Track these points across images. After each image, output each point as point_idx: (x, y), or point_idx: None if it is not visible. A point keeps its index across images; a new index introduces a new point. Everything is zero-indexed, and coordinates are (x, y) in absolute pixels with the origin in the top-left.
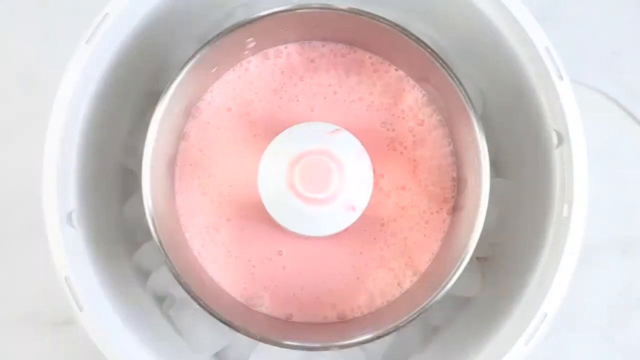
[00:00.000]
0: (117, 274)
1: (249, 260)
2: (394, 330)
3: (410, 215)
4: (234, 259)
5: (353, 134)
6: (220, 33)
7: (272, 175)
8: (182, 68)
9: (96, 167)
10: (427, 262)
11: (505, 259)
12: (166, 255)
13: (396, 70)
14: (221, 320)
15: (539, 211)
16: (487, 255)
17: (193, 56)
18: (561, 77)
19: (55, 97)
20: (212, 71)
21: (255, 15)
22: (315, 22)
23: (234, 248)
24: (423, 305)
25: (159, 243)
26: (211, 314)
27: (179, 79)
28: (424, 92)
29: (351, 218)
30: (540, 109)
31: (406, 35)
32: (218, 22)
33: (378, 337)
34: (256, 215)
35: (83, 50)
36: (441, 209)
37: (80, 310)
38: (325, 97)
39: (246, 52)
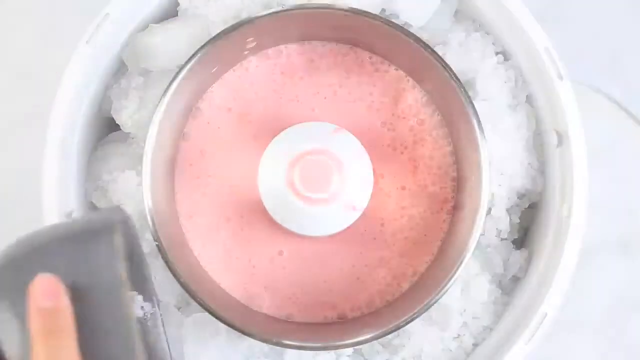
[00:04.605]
0: None
1: (249, 260)
2: (394, 330)
3: (410, 215)
4: (234, 259)
5: (353, 134)
6: (220, 33)
7: (272, 175)
8: (182, 68)
9: (96, 167)
10: (427, 262)
11: None
12: (166, 255)
13: (396, 70)
14: (221, 320)
15: (539, 211)
16: None
17: (193, 56)
18: (561, 77)
19: (55, 97)
20: (212, 71)
21: (255, 15)
22: (315, 22)
23: (234, 248)
24: (423, 305)
25: (158, 243)
26: (211, 313)
27: (179, 79)
28: (424, 92)
29: (351, 218)
30: (540, 109)
31: (406, 35)
32: None
33: (378, 337)
34: (256, 215)
35: (83, 50)
36: (441, 209)
37: None
38: (325, 97)
39: (246, 52)
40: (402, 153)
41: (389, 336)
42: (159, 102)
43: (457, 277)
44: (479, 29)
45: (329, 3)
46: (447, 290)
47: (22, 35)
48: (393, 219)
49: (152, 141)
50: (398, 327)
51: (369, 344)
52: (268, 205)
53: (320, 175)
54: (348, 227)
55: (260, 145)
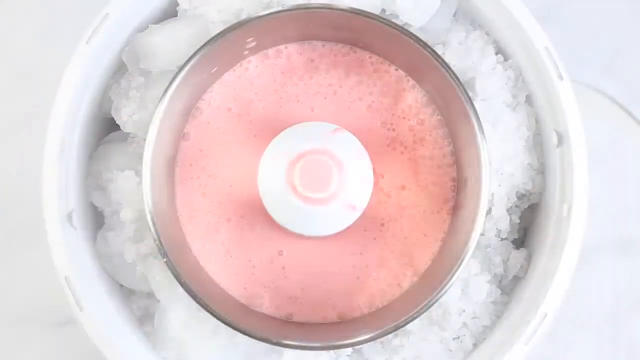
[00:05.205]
0: (117, 272)
1: (249, 261)
2: (394, 330)
3: (411, 215)
4: (234, 259)
5: (353, 134)
6: (220, 33)
7: (272, 175)
8: (182, 68)
9: (96, 167)
10: (427, 262)
11: None
12: (166, 255)
13: (396, 70)
14: (221, 320)
15: (539, 211)
16: None
17: (193, 56)
18: (561, 77)
19: (55, 97)
20: (212, 71)
21: (255, 15)
22: (315, 22)
23: (234, 248)
24: (423, 305)
25: (159, 243)
26: (211, 313)
27: (179, 78)
28: (424, 92)
29: (351, 218)
30: (540, 109)
31: (406, 35)
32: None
33: (378, 337)
34: (256, 216)
35: (83, 50)
36: (441, 209)
37: (80, 310)
38: (325, 97)
39: (246, 52)
40: (402, 153)
41: (389, 336)
42: (159, 102)
43: (457, 277)
44: (478, 29)
45: (328, 3)
46: (447, 291)
47: (22, 35)
48: (393, 219)
49: (152, 141)
50: (398, 327)
51: (369, 344)
52: (268, 205)
53: (320, 175)
54: (348, 227)
55: (260, 145)
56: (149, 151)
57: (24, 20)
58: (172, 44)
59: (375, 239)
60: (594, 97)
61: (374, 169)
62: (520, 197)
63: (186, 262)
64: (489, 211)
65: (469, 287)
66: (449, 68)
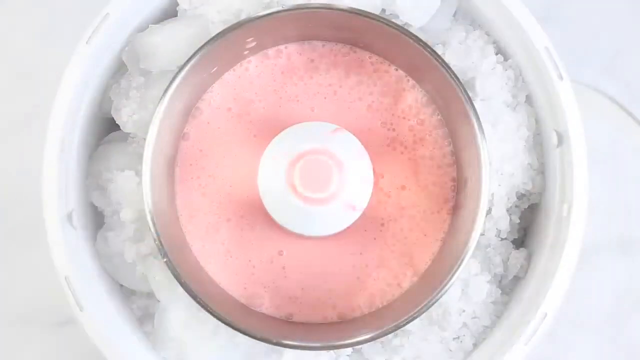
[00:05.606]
0: (117, 272)
1: (249, 261)
2: (394, 330)
3: (411, 215)
4: (234, 259)
5: (353, 134)
6: (220, 33)
7: (272, 175)
8: (182, 68)
9: (96, 167)
10: (427, 262)
11: None
12: (166, 255)
13: (396, 70)
14: (221, 320)
15: (539, 211)
16: None
17: (193, 56)
18: (561, 77)
19: (55, 97)
20: (212, 71)
21: (255, 15)
22: (315, 22)
23: (234, 248)
24: (423, 305)
25: (159, 243)
26: (211, 313)
27: (179, 78)
28: (424, 92)
29: (351, 218)
30: (540, 109)
31: (406, 35)
32: None
33: (378, 337)
34: (256, 216)
35: (83, 50)
36: (441, 209)
37: (81, 310)
38: (325, 97)
39: (246, 52)
40: (402, 153)
41: (389, 336)
42: (159, 102)
43: (457, 277)
44: (478, 29)
45: (328, 3)
46: (447, 290)
47: (22, 35)
48: (393, 219)
49: (152, 141)
50: (398, 327)
51: (369, 344)
52: (268, 205)
53: (320, 175)
54: (348, 227)
55: (260, 145)
56: (149, 151)
57: (24, 20)
58: (172, 44)
59: (375, 239)
60: (594, 97)
61: (374, 169)
62: (520, 197)
63: (186, 262)
64: (489, 211)
65: (469, 287)
66: (449, 68)
